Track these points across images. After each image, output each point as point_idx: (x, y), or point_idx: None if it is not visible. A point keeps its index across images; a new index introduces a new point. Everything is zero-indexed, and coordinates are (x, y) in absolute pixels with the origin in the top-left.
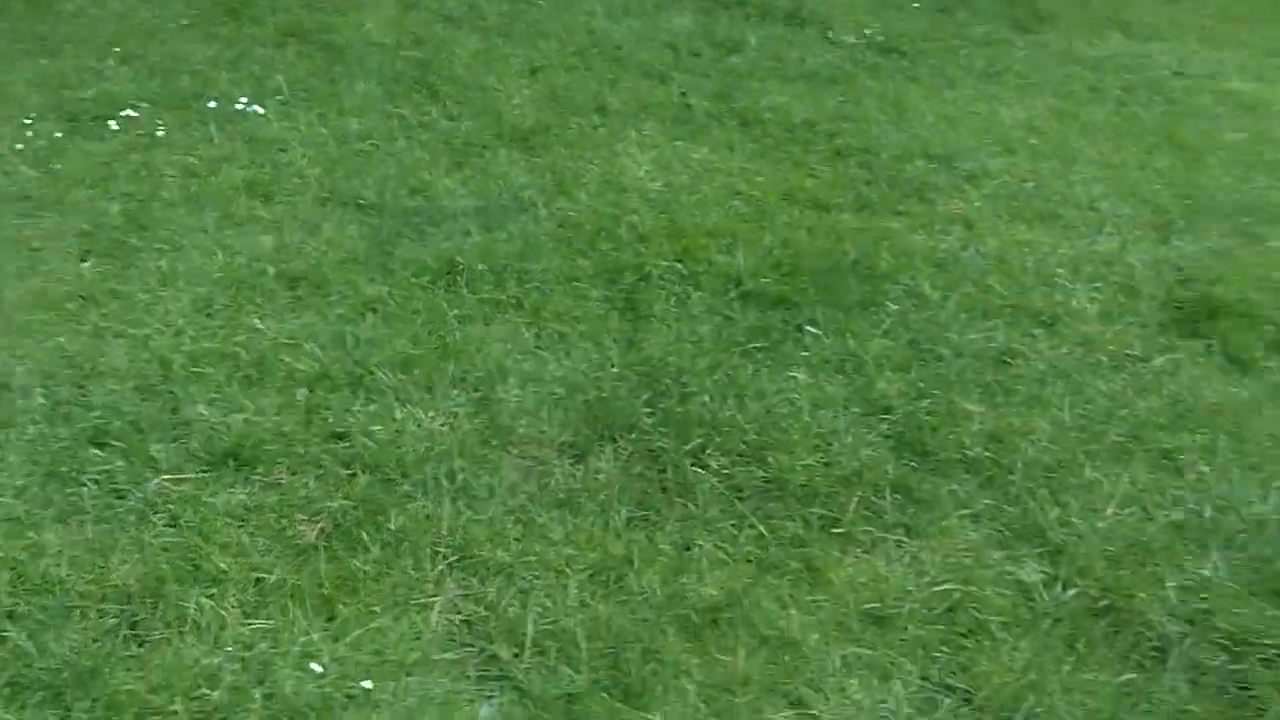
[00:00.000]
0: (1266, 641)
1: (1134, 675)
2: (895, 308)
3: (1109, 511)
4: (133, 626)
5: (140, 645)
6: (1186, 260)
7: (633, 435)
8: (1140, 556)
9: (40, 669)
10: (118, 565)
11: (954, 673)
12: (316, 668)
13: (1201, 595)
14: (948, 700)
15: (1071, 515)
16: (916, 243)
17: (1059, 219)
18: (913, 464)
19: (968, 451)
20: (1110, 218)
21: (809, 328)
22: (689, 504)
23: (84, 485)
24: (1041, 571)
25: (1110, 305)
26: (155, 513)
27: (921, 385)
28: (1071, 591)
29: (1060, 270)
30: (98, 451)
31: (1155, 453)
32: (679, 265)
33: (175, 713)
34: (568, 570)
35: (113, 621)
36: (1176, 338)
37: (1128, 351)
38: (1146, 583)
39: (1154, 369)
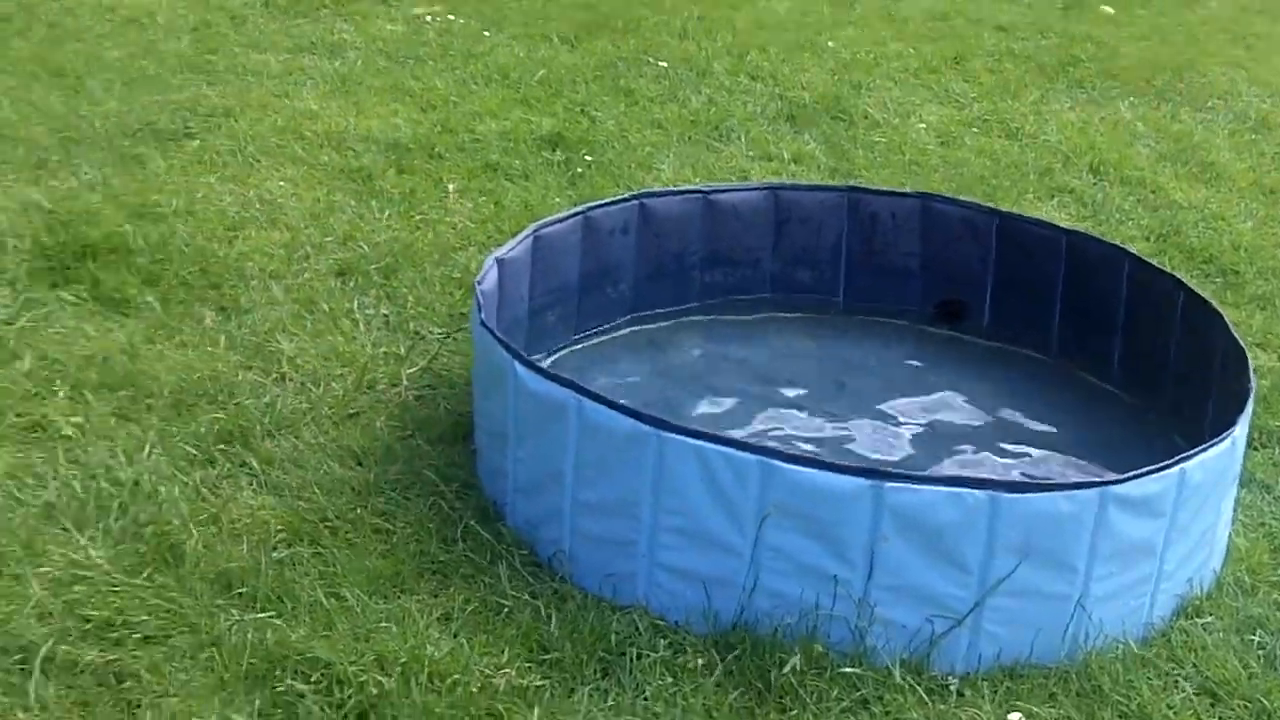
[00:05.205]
0: (141, 619)
1: None
2: None
3: None
4: None
5: None
6: (59, 200)
7: None
8: None
9: None
10: None
11: None
12: None
13: (74, 585)
14: None
15: None
16: None
17: None
18: None
19: None
20: None
21: None
22: None
23: None
24: None
25: None
26: None
27: None
28: None
29: None
30: None
31: (24, 426)
32: None
33: None
34: None
35: None
36: (46, 289)
37: None
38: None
39: (17, 330)
